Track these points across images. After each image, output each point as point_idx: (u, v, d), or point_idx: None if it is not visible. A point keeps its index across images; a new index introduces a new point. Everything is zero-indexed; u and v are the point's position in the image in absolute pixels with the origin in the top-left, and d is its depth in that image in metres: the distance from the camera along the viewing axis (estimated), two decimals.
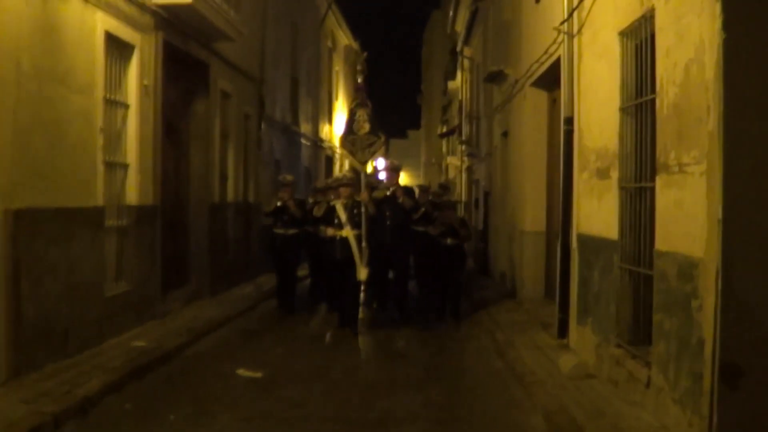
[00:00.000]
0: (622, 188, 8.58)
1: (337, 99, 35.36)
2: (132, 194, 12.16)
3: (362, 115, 13.36)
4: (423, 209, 14.47)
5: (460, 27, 30.67)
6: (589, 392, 8.48)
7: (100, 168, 10.92)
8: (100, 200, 10.88)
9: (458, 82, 33.69)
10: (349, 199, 13.10)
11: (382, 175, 16.18)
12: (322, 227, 13.40)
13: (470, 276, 18.17)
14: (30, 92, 9.07)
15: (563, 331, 10.88)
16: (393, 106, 71.38)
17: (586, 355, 9.74)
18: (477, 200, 26.17)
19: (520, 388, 9.20)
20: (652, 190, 7.54)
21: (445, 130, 42.00)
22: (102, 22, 10.91)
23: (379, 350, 11.65)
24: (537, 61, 13.29)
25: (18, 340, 8.71)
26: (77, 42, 10.22)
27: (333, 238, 13.01)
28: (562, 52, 11.07)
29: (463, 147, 31.02)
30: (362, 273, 12.58)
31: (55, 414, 7.57)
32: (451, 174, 39.51)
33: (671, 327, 6.99)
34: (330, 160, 33.21)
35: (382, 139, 13.49)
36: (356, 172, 13.92)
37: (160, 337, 11.36)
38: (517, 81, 16.01)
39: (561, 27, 10.95)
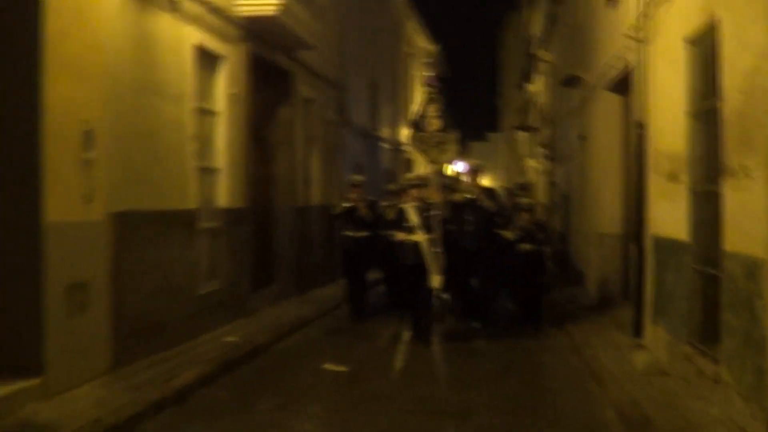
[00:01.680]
0: (691, 191, 8.88)
1: (413, 102, 35.84)
2: (222, 197, 12.79)
3: (433, 111, 12.89)
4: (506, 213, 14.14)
5: (536, 30, 30.89)
6: (661, 388, 8.80)
7: (193, 173, 11.54)
8: (193, 203, 11.51)
9: (535, 85, 33.88)
10: (421, 202, 12.48)
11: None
12: (392, 231, 12.70)
13: (550, 280, 18.10)
14: (128, 103, 9.70)
15: (638, 330, 11.15)
16: (471, 109, 71.53)
17: (659, 353, 10.04)
18: (556, 203, 26.37)
19: (595, 384, 9.56)
20: (720, 193, 7.84)
21: (518, 125, 42.22)
22: (192, 35, 11.53)
23: (459, 348, 11.99)
24: (609, 65, 13.57)
25: (119, 333, 9.35)
26: (170, 55, 10.84)
27: (404, 243, 12.32)
28: (633, 57, 11.36)
29: (542, 149, 31.20)
30: (435, 280, 11.98)
31: (155, 401, 8.19)
32: (531, 176, 39.66)
33: (737, 325, 7.29)
34: (410, 164, 33.68)
35: (454, 135, 13.09)
36: (441, 175, 13.91)
37: (250, 333, 11.94)
38: (591, 85, 16.28)
39: (631, 33, 11.24)
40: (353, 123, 22.56)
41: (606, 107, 15.08)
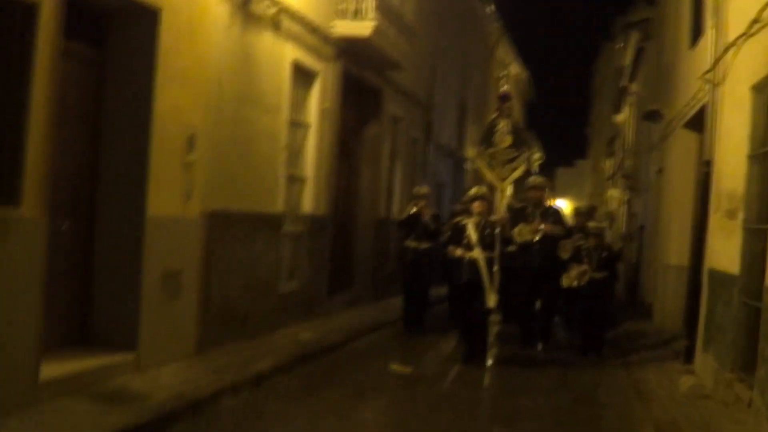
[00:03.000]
0: (745, 228, 9.46)
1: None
2: (307, 204, 13.71)
3: (504, 126, 12.17)
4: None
5: (627, 62, 31.30)
6: (701, 410, 9.36)
7: (282, 180, 12.46)
8: (280, 208, 12.42)
9: (623, 116, 34.23)
10: (481, 218, 11.96)
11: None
12: (450, 247, 12.09)
13: (616, 308, 17.92)
14: (228, 113, 10.64)
15: (689, 357, 11.69)
16: (561, 135, 71.49)
17: (705, 379, 10.58)
18: (633, 233, 26.82)
19: (640, 403, 10.12)
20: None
21: (609, 163, 42.31)
22: (290, 53, 12.44)
23: (515, 363, 12.23)
24: (687, 103, 14.12)
25: (205, 320, 10.26)
26: (268, 69, 11.76)
27: (461, 260, 11.80)
28: (707, 99, 11.94)
29: (624, 180, 31.59)
30: (491, 299, 11.43)
31: (234, 382, 9.04)
32: (613, 206, 39.91)
33: None
34: (493, 187, 34.24)
35: (526, 154, 12.54)
36: (538, 188, 13.64)
37: (324, 332, 12.76)
38: (670, 120, 16.81)
39: (706, 76, 11.83)
40: (439, 142, 23.32)
41: (682, 143, 15.60)
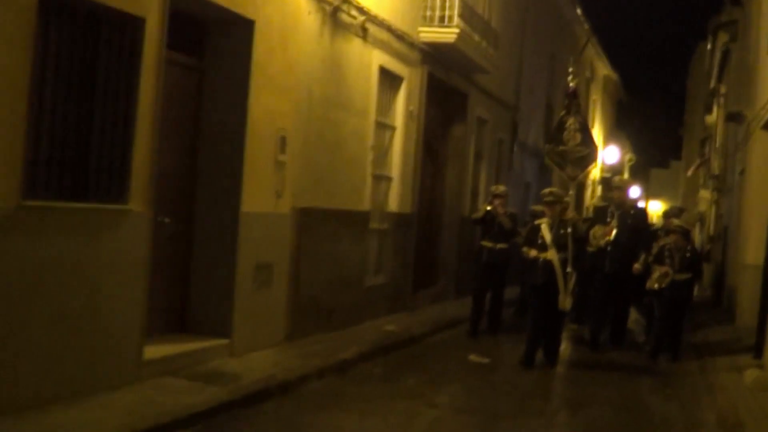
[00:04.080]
0: None
1: (593, 127, 36.55)
2: (393, 203, 14.37)
3: (573, 123, 12.25)
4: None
5: (714, 63, 31.31)
6: (762, 401, 9.77)
7: (369, 179, 13.14)
8: (366, 206, 13.13)
9: (713, 117, 34.18)
10: (555, 218, 11.63)
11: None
12: (525, 248, 11.85)
13: (698, 308, 17.69)
14: (318, 115, 11.34)
15: (759, 352, 12.04)
16: (655, 136, 70.73)
17: None
18: (718, 234, 26.93)
19: (706, 393, 10.58)
20: None
21: (698, 162, 42.05)
22: (377, 58, 13.09)
23: (589, 359, 12.77)
24: (764, 107, 14.40)
25: (294, 311, 10.99)
26: (356, 74, 12.42)
27: (535, 261, 11.57)
28: None
29: (713, 181, 31.61)
30: (565, 301, 11.34)
31: (320, 368, 9.75)
32: (702, 207, 39.78)
33: None
34: (581, 187, 34.48)
35: (596, 151, 12.32)
36: (620, 188, 13.45)
37: (407, 325, 13.39)
38: (751, 121, 17.06)
39: None
40: (525, 143, 23.75)
41: (761, 145, 15.87)
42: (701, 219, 39.61)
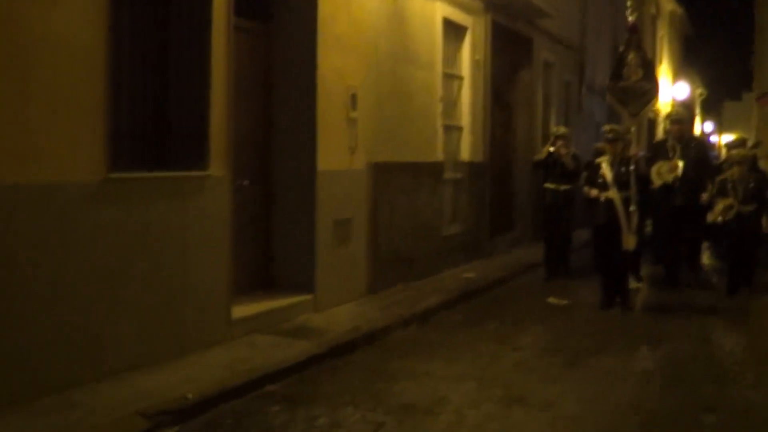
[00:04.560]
0: None
1: (660, 64, 36.11)
2: (465, 152, 14.50)
3: (634, 59, 11.80)
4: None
5: None
6: None
7: (440, 130, 13.27)
8: (439, 156, 13.28)
9: None
10: (616, 155, 11.29)
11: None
12: (585, 188, 11.57)
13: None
14: (386, 71, 11.48)
15: None
16: (725, 68, 69.47)
17: None
18: None
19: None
20: None
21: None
22: (440, 10, 13.16)
23: (664, 296, 12.71)
24: None
25: (375, 263, 11.23)
26: (421, 28, 12.53)
27: (597, 201, 11.30)
28: None
29: None
30: (629, 241, 11.05)
31: (403, 317, 10.00)
32: None
33: None
34: (653, 124, 34.14)
35: (658, 86, 12.00)
36: (678, 121, 13.15)
37: (485, 272, 13.57)
38: None
39: None
40: (592, 84, 23.61)
41: None
42: None
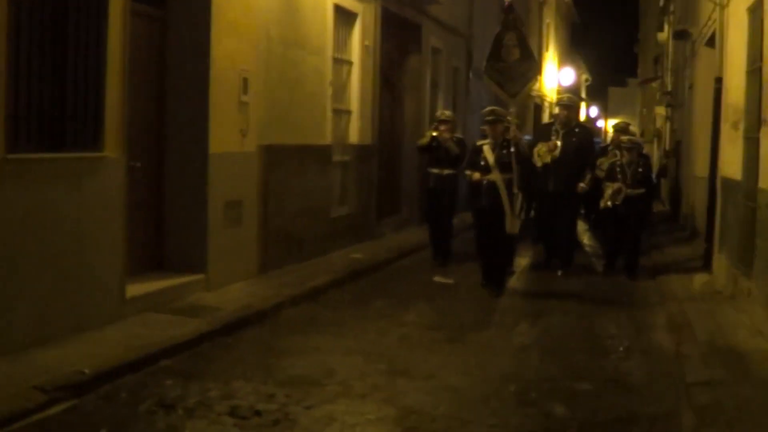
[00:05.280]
0: (745, 138, 10.45)
1: (547, 50, 37.06)
2: (354, 135, 14.91)
3: (511, 39, 11.45)
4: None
5: None
6: (710, 303, 10.51)
7: (329, 114, 13.63)
8: (328, 140, 13.64)
9: (664, 35, 34.71)
10: (497, 138, 11.26)
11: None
12: (467, 171, 11.55)
13: (652, 225, 17.85)
14: (277, 55, 11.76)
15: (708, 259, 12.77)
16: (611, 54, 71.21)
17: (720, 277, 11.67)
18: (673, 149, 27.65)
19: (658, 300, 11.30)
20: (760, 139, 9.43)
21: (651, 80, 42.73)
22: None
23: (543, 275, 13.34)
24: (706, 24, 14.98)
25: (265, 244, 11.54)
26: (312, 13, 12.83)
27: (479, 184, 11.24)
28: (716, 19, 12.83)
29: (666, 97, 32.28)
30: (512, 224, 11.02)
31: (293, 296, 10.35)
32: (659, 123, 40.50)
33: (764, 248, 8.96)
34: (539, 109, 35.06)
35: (537, 66, 11.48)
36: (565, 106, 13.32)
37: (373, 253, 13.99)
38: (695, 40, 17.64)
39: None
40: (480, 70, 24.14)
41: (705, 61, 16.48)
42: (658, 135, 40.31)
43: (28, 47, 7.40)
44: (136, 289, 9.03)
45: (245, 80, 10.86)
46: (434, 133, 13.56)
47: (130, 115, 8.84)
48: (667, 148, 31.56)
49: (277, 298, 10.12)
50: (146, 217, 9.99)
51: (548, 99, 36.69)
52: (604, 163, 13.57)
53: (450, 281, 12.26)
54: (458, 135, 14.24)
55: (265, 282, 10.97)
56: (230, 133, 10.66)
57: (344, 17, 14.33)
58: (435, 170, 13.62)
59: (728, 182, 11.62)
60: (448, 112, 14.61)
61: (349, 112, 14.81)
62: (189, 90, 10.12)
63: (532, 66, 11.64)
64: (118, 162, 8.53)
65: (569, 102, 13.92)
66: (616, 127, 15.68)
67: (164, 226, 10.29)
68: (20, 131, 7.30)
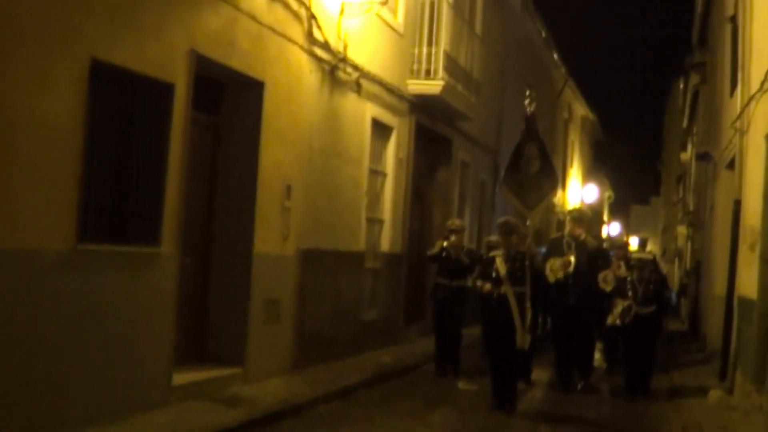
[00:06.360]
0: (762, 259, 10.99)
1: (571, 166, 37.85)
2: (385, 243, 15.56)
3: (531, 149, 11.23)
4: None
5: (686, 104, 32.62)
6: (724, 417, 10.90)
7: (363, 222, 14.32)
8: (362, 246, 14.32)
9: (687, 155, 35.47)
10: (510, 249, 10.94)
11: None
12: (479, 282, 11.22)
13: (668, 342, 17.83)
14: (317, 164, 12.49)
15: (724, 374, 13.17)
16: (636, 173, 72.20)
17: (735, 393, 12.08)
18: (693, 268, 28.14)
19: (673, 410, 11.69)
20: None
21: (676, 200, 43.44)
22: (370, 110, 14.28)
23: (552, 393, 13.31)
24: (726, 148, 15.63)
25: (300, 341, 12.09)
26: (352, 126, 13.61)
27: (490, 296, 10.86)
28: (736, 144, 13.48)
29: (688, 217, 32.90)
30: (523, 339, 10.57)
31: (326, 393, 10.84)
32: (680, 242, 41.03)
33: None
34: (561, 224, 35.60)
35: (556, 181, 11.74)
36: (577, 220, 13.10)
37: (400, 356, 14.48)
38: (716, 161, 18.29)
39: (735, 125, 13.38)
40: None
41: (725, 183, 17.05)
42: (679, 254, 40.81)
43: (101, 147, 8.15)
44: (180, 378, 9.57)
45: (288, 187, 11.56)
46: (445, 243, 13.44)
47: (183, 214, 9.50)
48: (688, 267, 32.05)
49: (311, 394, 10.62)
50: (192, 309, 10.58)
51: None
52: (608, 276, 12.85)
53: (474, 387, 12.65)
54: (469, 246, 14.06)
55: (298, 378, 11.47)
56: (272, 236, 11.31)
57: (381, 130, 15.11)
58: (444, 281, 13.42)
59: (744, 301, 12.11)
60: (458, 222, 14.44)
61: (381, 222, 15.50)
62: (238, 192, 10.83)
63: (551, 180, 11.40)
64: (172, 257, 9.18)
65: (579, 215, 13.62)
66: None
67: (208, 318, 10.90)
68: (89, 224, 7.99)
